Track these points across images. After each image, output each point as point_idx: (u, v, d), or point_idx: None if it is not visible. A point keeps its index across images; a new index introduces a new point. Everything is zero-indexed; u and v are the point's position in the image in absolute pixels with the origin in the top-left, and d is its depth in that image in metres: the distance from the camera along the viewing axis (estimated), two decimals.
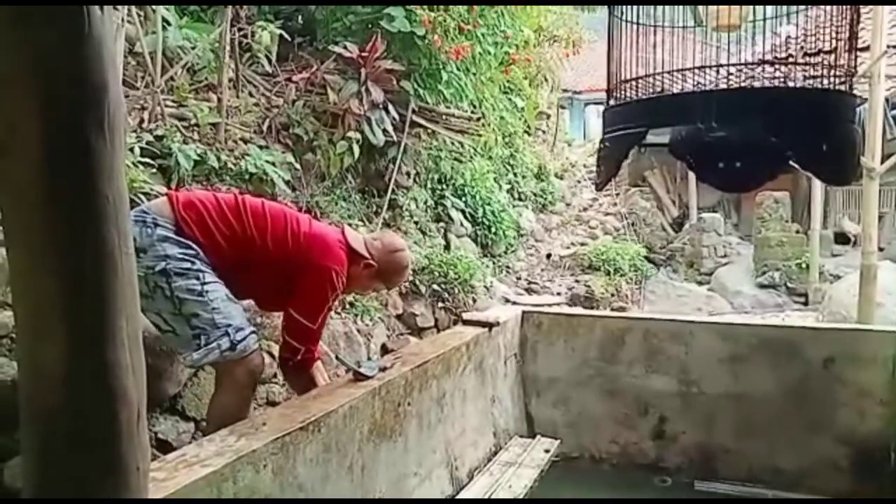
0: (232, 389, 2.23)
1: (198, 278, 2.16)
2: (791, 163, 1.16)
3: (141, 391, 1.00)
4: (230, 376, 2.22)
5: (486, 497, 2.68)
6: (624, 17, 1.35)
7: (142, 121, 3.48)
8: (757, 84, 1.25)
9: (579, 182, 12.58)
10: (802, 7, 1.67)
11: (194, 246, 2.20)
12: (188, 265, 2.15)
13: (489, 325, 3.26)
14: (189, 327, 2.14)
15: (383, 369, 2.43)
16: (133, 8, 3.59)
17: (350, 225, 4.52)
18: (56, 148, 0.92)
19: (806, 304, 8.99)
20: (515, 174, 9.14)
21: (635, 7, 1.37)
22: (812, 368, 3.10)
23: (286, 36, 4.55)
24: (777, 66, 1.47)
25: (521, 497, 2.71)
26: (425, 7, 4.70)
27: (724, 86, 1.28)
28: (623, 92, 1.33)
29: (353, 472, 2.12)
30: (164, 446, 2.48)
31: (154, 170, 3.15)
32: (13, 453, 1.95)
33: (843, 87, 1.20)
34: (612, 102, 1.36)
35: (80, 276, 0.95)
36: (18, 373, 1.00)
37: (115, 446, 0.94)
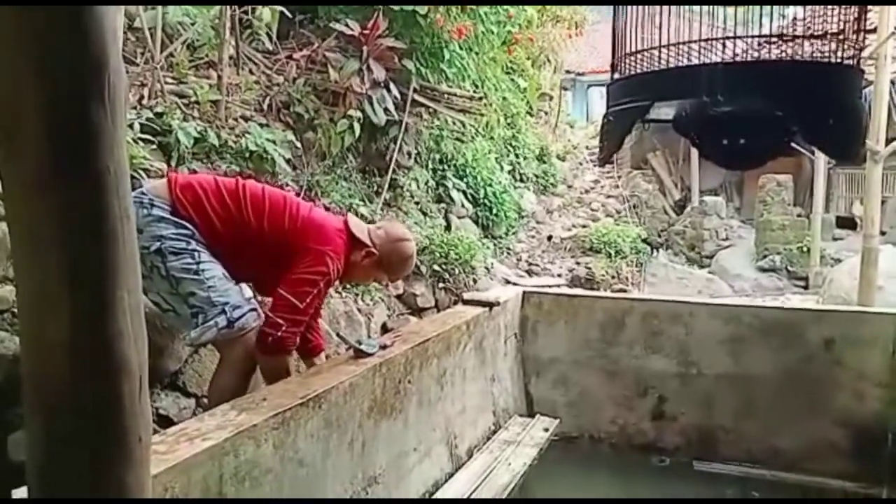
0: (231, 367, 2.25)
1: (193, 257, 2.16)
2: (796, 139, 1.15)
3: (143, 362, 1.00)
4: (229, 354, 2.24)
5: (486, 474, 2.70)
6: None
7: (141, 97, 3.45)
8: (764, 48, 1.24)
9: (581, 164, 12.55)
10: None
11: (189, 226, 2.19)
12: (183, 244, 2.16)
13: (489, 305, 3.26)
14: (187, 306, 2.16)
15: (384, 347, 2.43)
16: None
17: (351, 205, 4.51)
18: (56, 119, 0.91)
19: (806, 287, 9.01)
20: (517, 155, 9.10)
21: None
22: (812, 350, 3.10)
23: (287, 13, 4.50)
24: (784, 43, 1.45)
25: (520, 474, 2.73)
26: None
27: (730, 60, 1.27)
28: (628, 66, 1.31)
29: (354, 447, 2.13)
30: (165, 422, 2.49)
31: (154, 146, 3.14)
32: (16, 427, 1.96)
33: (850, 63, 1.19)
34: (616, 76, 1.35)
35: (81, 247, 0.94)
36: (21, 346, 1.00)
37: (117, 417, 0.94)
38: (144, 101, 3.42)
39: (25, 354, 0.98)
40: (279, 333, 2.17)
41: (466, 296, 3.58)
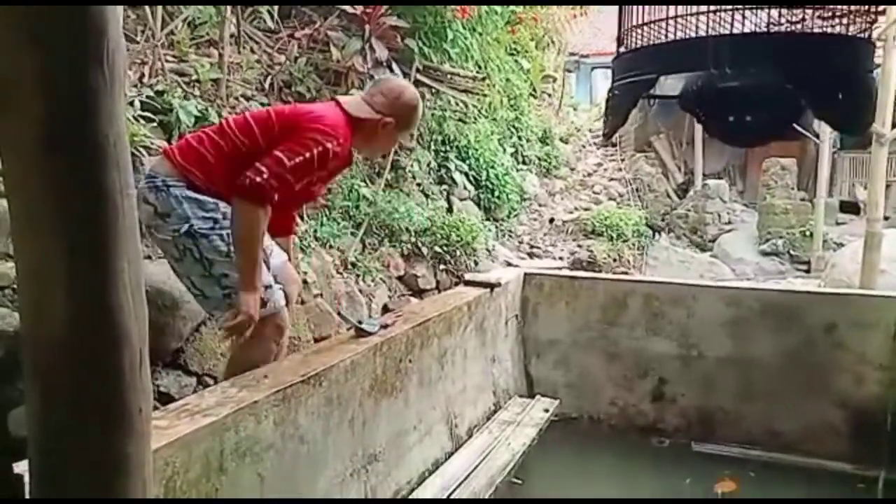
0: (260, 345, 2.20)
1: (222, 238, 2.13)
2: (804, 114, 1.13)
3: (143, 335, 0.99)
4: (260, 332, 2.17)
5: (486, 453, 2.71)
6: None
7: (142, 75, 3.43)
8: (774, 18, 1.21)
9: (584, 147, 12.48)
10: None
11: (210, 197, 2.15)
12: (210, 224, 2.13)
13: (490, 286, 3.26)
14: (220, 287, 2.13)
15: (385, 326, 2.43)
16: None
17: (353, 186, 4.49)
18: (55, 89, 0.90)
19: (808, 271, 9.01)
20: (520, 137, 9.05)
21: None
22: (813, 333, 3.10)
23: None
24: (792, 18, 1.43)
25: (520, 454, 2.74)
26: None
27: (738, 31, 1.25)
28: (633, 39, 1.29)
29: (354, 425, 2.14)
30: (166, 400, 2.49)
31: (155, 125, 3.12)
32: (16, 402, 1.97)
33: (861, 35, 1.17)
34: (622, 50, 1.33)
35: (81, 219, 0.94)
36: (21, 320, 1.00)
37: (117, 389, 0.93)
38: (145, 80, 3.40)
39: (25, 328, 0.98)
40: (258, 179, 2.03)
41: (468, 276, 3.58)
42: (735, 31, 1.17)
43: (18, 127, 0.92)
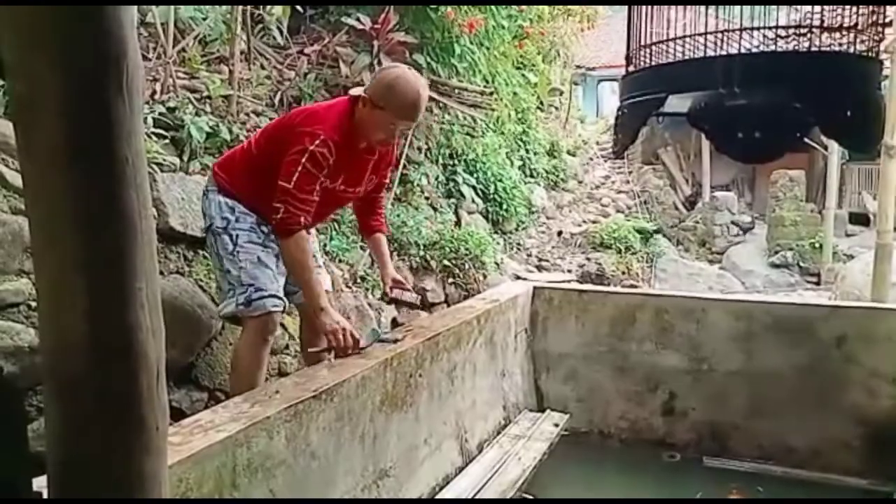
0: (245, 342, 2.40)
1: (231, 238, 2.35)
2: (812, 132, 1.14)
3: (160, 353, 1.01)
4: (245, 329, 2.40)
5: (496, 468, 2.71)
6: None
7: (154, 92, 3.48)
8: (780, 38, 1.23)
9: (592, 159, 12.51)
10: None
11: (230, 201, 2.39)
12: (224, 224, 2.37)
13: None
14: (226, 282, 2.38)
15: (395, 341, 2.44)
16: None
17: None
18: (76, 110, 0.92)
19: (818, 283, 8.96)
20: (527, 151, 9.09)
21: None
22: (824, 347, 3.08)
23: (298, 8, 4.51)
24: (799, 35, 1.44)
25: (531, 469, 2.73)
26: None
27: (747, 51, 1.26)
28: (642, 59, 1.31)
29: (365, 441, 2.14)
30: (177, 415, 2.51)
31: (167, 141, 3.16)
32: (33, 418, 1.99)
33: (868, 54, 1.18)
34: (630, 69, 1.34)
35: (98, 236, 0.95)
36: (40, 338, 1.01)
37: (135, 408, 0.94)
38: (157, 96, 3.45)
39: (45, 347, 0.99)
40: (278, 216, 2.22)
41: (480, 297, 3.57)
42: (743, 49, 1.18)
43: (40, 146, 0.94)
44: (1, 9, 0.97)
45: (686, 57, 1.22)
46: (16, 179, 2.40)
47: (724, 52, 1.17)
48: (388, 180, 2.84)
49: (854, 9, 1.35)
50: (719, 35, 1.17)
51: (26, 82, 0.91)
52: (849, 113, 1.11)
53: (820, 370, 3.08)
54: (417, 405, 2.48)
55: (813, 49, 1.19)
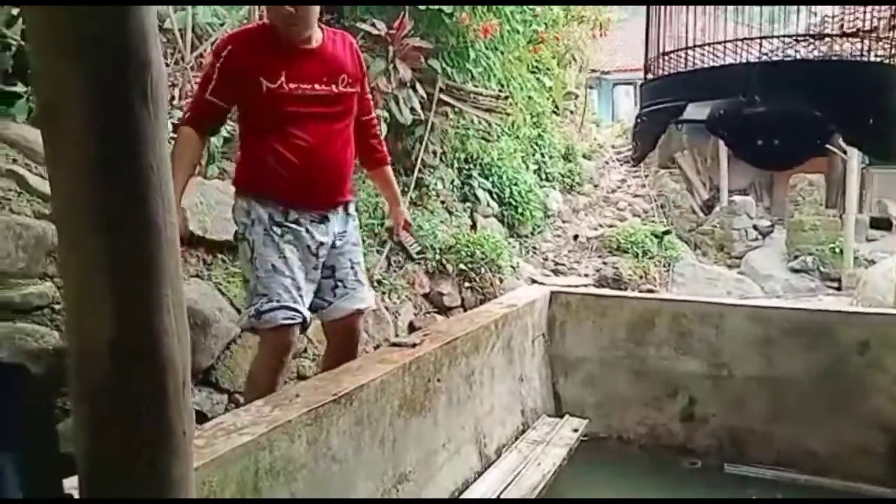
0: (259, 362, 2.35)
1: (249, 244, 2.29)
2: (833, 139, 1.14)
3: (186, 359, 1.02)
4: (260, 343, 2.35)
5: (515, 473, 2.70)
6: None
7: (172, 98, 3.52)
8: (800, 46, 1.22)
9: (607, 163, 12.45)
10: None
11: (246, 203, 2.31)
12: (242, 230, 2.31)
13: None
14: (247, 292, 2.35)
15: (413, 345, 2.45)
16: None
17: (377, 204, 4.53)
18: (102, 119, 0.94)
19: (839, 289, 8.85)
20: (543, 154, 9.07)
21: None
22: (846, 353, 3.05)
23: None
24: (816, 41, 1.43)
25: (550, 474, 2.72)
26: None
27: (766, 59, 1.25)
28: (660, 67, 1.31)
29: (385, 445, 2.15)
30: (198, 417, 2.54)
31: None
32: (59, 418, 2.01)
33: (889, 62, 1.17)
34: (649, 77, 1.34)
35: (124, 242, 0.97)
36: (67, 342, 1.03)
37: (162, 412, 0.96)
38: (175, 102, 3.49)
39: (72, 352, 1.01)
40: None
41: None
42: (762, 56, 1.18)
43: (66, 152, 0.95)
44: (28, 16, 1.00)
45: (704, 65, 1.22)
46: (39, 184, 2.44)
47: (742, 60, 1.17)
48: (369, 98, 2.63)
49: (873, 12, 1.34)
50: (738, 43, 1.16)
51: (52, 89, 0.93)
52: (870, 120, 1.10)
53: (842, 376, 3.05)
54: (436, 410, 2.48)
55: (833, 56, 1.19)
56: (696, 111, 1.36)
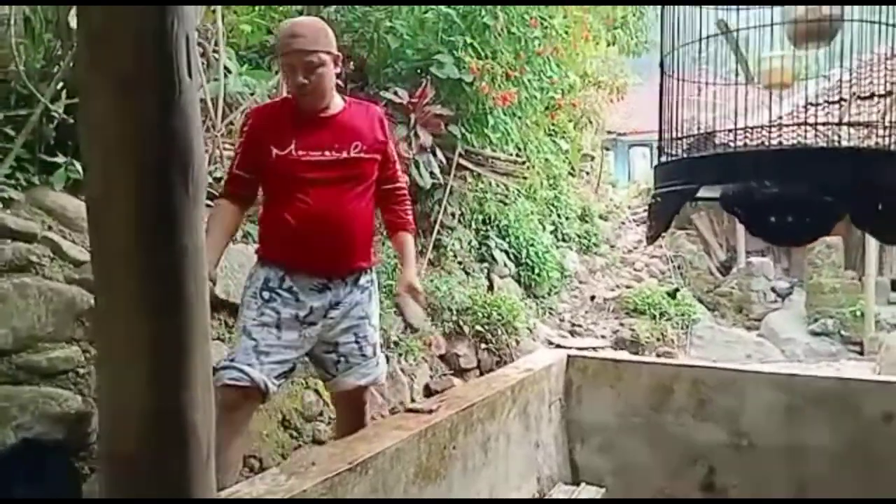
0: (221, 423, 2.28)
1: (241, 305, 2.35)
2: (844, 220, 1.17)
3: (210, 431, 1.05)
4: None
5: None
6: (675, 76, 1.39)
7: None
8: (809, 132, 1.26)
9: (624, 224, 12.51)
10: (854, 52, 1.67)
11: (254, 267, 2.41)
12: (243, 292, 2.38)
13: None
14: None
15: (430, 411, 2.45)
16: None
17: (395, 266, 4.59)
18: (145, 203, 1.00)
19: (861, 353, 8.68)
20: (559, 215, 9.16)
21: (686, 65, 1.41)
22: (871, 423, 2.98)
23: (339, 82, 4.72)
24: (830, 103, 1.49)
25: None
26: (473, 55, 4.83)
27: (777, 139, 1.30)
28: (674, 148, 1.36)
29: None
30: None
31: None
32: (82, 478, 2.03)
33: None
34: (663, 159, 1.40)
35: (160, 320, 1.02)
36: (99, 412, 1.07)
37: (187, 487, 0.98)
38: (205, 167, 3.61)
39: (103, 421, 1.05)
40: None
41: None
42: (773, 139, 1.23)
43: (109, 237, 1.02)
44: (81, 109, 1.08)
45: (718, 145, 1.27)
46: (71, 250, 2.53)
47: (753, 148, 1.22)
48: (396, 167, 2.63)
49: (888, 75, 1.38)
50: (749, 129, 1.22)
51: (100, 181, 1.00)
52: (879, 206, 1.14)
53: (867, 448, 2.97)
54: (451, 477, 2.46)
55: (842, 146, 1.23)
56: (710, 190, 1.41)
